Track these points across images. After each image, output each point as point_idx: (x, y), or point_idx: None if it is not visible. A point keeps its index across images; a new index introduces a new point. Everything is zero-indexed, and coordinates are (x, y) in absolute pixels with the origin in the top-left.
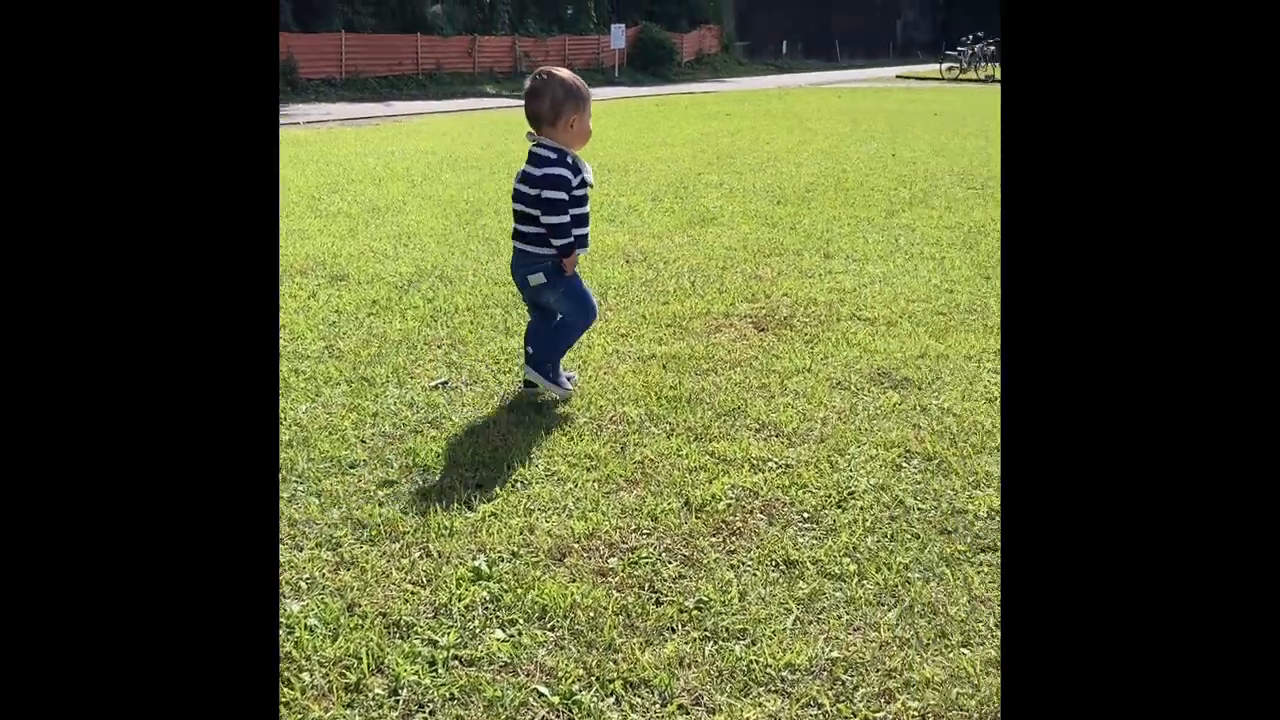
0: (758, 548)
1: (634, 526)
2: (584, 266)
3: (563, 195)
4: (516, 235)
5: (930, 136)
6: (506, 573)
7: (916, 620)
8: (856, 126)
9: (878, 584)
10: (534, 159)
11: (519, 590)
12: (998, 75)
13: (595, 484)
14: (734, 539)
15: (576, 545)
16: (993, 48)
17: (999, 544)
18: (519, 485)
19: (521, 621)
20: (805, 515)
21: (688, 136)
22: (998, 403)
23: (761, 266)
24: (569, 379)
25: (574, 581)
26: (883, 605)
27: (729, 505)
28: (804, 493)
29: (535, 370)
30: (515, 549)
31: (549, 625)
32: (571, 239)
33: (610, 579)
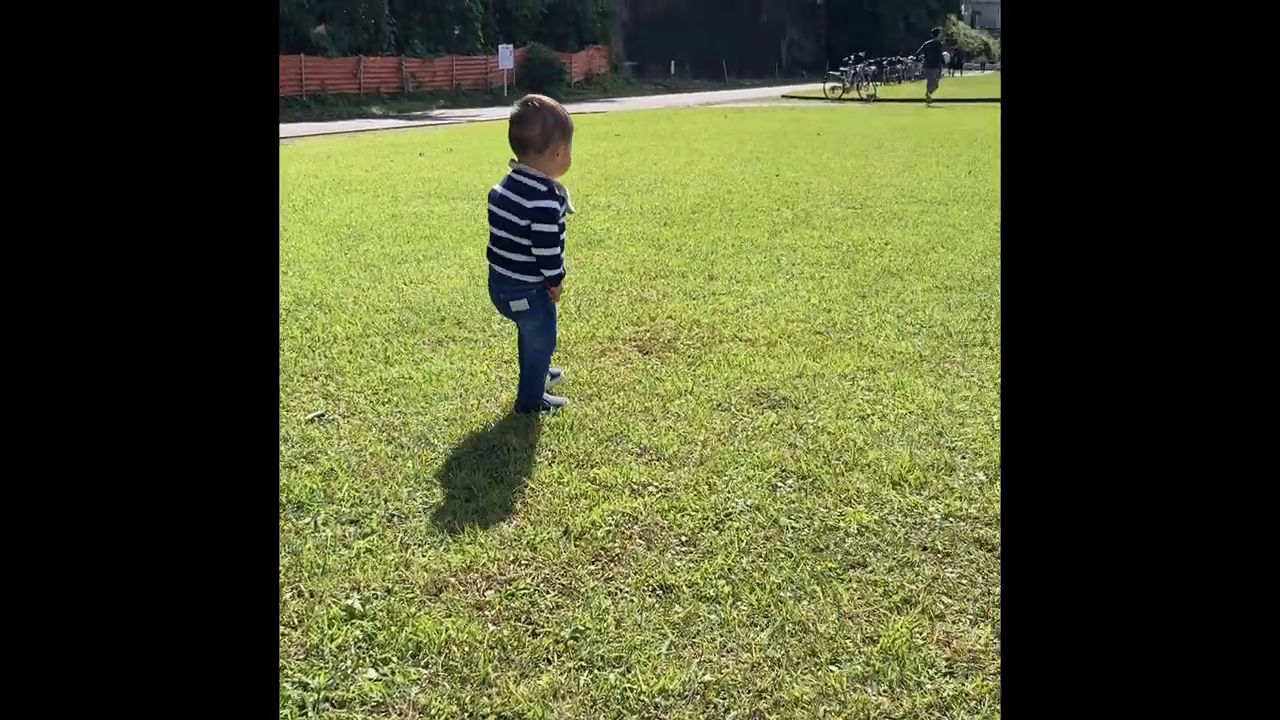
0: (635, 574)
1: (512, 557)
2: (468, 292)
3: (554, 228)
4: (499, 260)
5: (813, 157)
6: (381, 610)
7: (787, 639)
8: (742, 147)
9: (751, 605)
10: (521, 189)
11: (393, 628)
12: (878, 94)
13: (474, 515)
14: (612, 566)
15: (453, 579)
16: (873, 67)
17: (867, 560)
18: (395, 519)
19: (395, 660)
20: (683, 539)
21: (576, 158)
22: (869, 420)
23: (647, 289)
24: (555, 400)
25: (449, 616)
26: (755, 626)
27: (608, 532)
28: (682, 516)
29: (529, 413)
30: (390, 585)
31: (423, 662)
32: (563, 270)
33: (486, 612)
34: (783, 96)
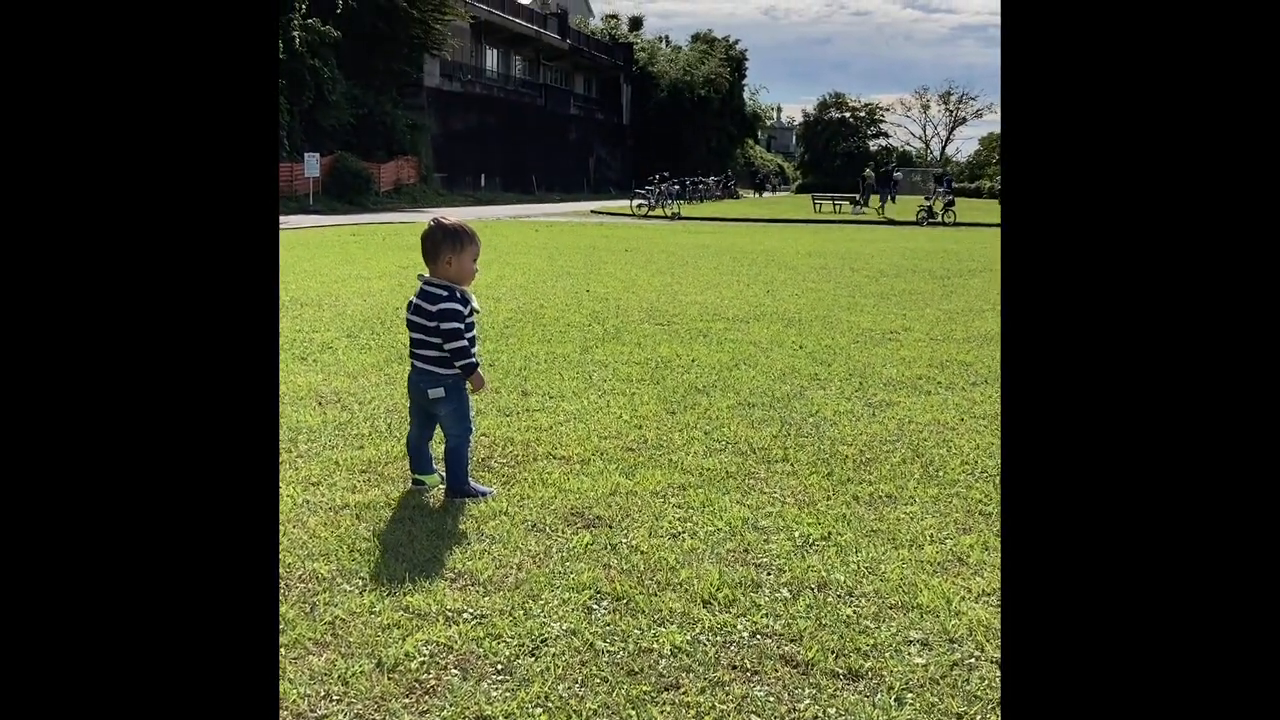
0: (451, 705)
1: (323, 693)
2: None
3: (459, 325)
4: (417, 356)
5: (622, 273)
6: None
7: None
8: (553, 262)
9: None
10: (427, 295)
11: None
12: (682, 212)
13: (282, 649)
14: (427, 698)
15: None
16: (678, 186)
17: (680, 681)
18: None
19: None
20: (499, 667)
21: (386, 269)
22: (680, 538)
23: None
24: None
25: None
26: None
27: (422, 663)
28: (498, 643)
29: (457, 498)
30: None
31: None
32: (474, 360)
33: None
34: (592, 212)
